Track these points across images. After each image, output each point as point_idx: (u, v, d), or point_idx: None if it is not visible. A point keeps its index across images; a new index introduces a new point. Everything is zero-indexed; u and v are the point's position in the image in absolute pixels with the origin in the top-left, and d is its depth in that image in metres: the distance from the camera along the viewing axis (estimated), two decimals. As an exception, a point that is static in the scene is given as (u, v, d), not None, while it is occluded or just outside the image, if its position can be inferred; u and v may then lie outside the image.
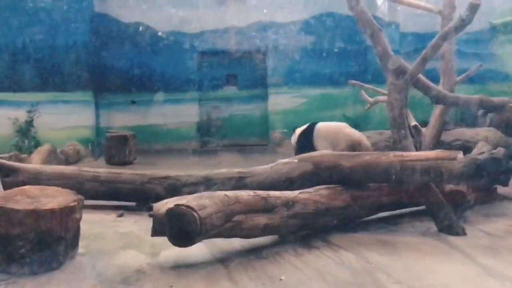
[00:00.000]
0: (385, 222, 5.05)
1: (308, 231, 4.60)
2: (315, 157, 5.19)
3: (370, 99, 7.96)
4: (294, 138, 7.80)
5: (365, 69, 10.82)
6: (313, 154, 5.31)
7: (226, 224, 3.97)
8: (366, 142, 6.80)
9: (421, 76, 5.43)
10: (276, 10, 11.24)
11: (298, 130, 7.73)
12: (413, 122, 6.62)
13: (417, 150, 5.60)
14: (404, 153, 4.89)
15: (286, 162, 5.29)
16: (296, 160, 5.25)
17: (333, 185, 4.82)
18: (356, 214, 4.85)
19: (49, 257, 3.72)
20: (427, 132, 6.71)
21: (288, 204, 4.37)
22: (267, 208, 4.28)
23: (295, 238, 4.51)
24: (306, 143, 7.45)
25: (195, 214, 3.68)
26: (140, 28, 10.53)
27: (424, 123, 7.02)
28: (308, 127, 7.60)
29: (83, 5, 10.14)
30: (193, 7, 11.17)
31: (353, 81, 8.22)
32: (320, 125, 7.53)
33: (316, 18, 11.34)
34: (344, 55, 11.44)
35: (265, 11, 11.19)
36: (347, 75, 10.48)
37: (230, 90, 11.79)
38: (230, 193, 4.20)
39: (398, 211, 5.25)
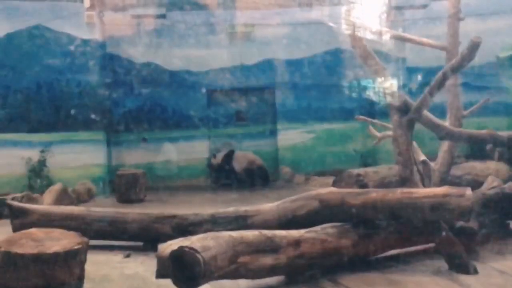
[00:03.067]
0: (395, 260, 4.95)
1: (315, 271, 4.52)
2: (322, 194, 5.15)
3: (378, 134, 7.94)
4: (216, 160, 11.07)
5: (373, 103, 10.85)
6: (320, 191, 5.28)
7: (231, 265, 3.93)
8: (259, 161, 11.10)
9: (426, 112, 5.43)
10: (283, 47, 11.43)
11: (219, 155, 11.10)
12: (422, 157, 6.57)
13: (425, 186, 5.54)
14: (412, 190, 4.84)
15: (293, 200, 5.26)
16: (300, 197, 5.23)
17: (340, 223, 4.77)
18: (365, 253, 4.77)
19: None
20: (436, 167, 6.65)
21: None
22: (273, 248, 4.24)
23: (302, 278, 4.44)
24: (228, 163, 10.99)
25: (199, 256, 3.66)
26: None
27: (434, 156, 6.95)
28: (229, 153, 11.07)
29: (95, 46, 10.41)
30: (202, 46, 11.42)
31: (361, 117, 8.23)
32: (244, 154, 11.19)
33: (323, 54, 11.49)
34: (351, 90, 11.52)
35: (272, 48, 11.40)
36: (355, 110, 10.53)
37: (239, 126, 11.88)
38: (235, 233, 4.18)
39: (407, 249, 5.14)
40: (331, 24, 11.03)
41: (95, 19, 10.28)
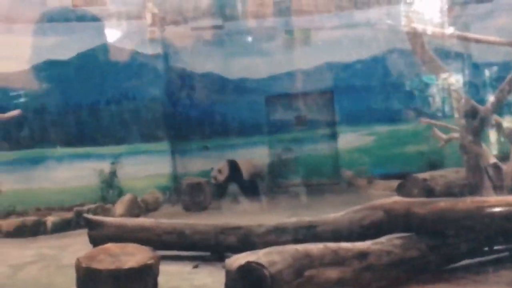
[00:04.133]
0: (466, 271, 4.78)
1: (382, 283, 4.46)
2: (387, 204, 5.08)
3: (444, 136, 7.70)
4: (220, 174, 10.35)
5: (436, 104, 10.49)
6: (385, 201, 5.20)
7: (297, 279, 3.98)
8: (261, 168, 11.15)
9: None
10: (342, 49, 11.29)
11: (219, 167, 10.45)
12: (492, 160, 6.28)
13: (497, 193, 5.31)
14: (483, 199, 4.67)
15: (357, 210, 5.22)
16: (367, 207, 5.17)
17: (407, 234, 4.68)
18: (434, 264, 4.65)
19: (128, 315, 3.91)
20: (508, 170, 6.33)
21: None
22: (339, 261, 4.23)
23: (370, 291, 4.40)
24: (236, 172, 10.47)
25: (266, 271, 3.74)
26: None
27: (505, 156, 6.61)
28: (231, 163, 10.51)
29: (159, 60, 10.86)
30: (260, 54, 11.52)
31: (425, 119, 8.01)
32: (243, 162, 10.71)
33: (383, 55, 11.22)
34: (413, 90, 11.17)
35: (330, 52, 11.30)
36: (418, 111, 10.23)
37: (299, 131, 11.88)
38: (300, 247, 4.22)
39: (480, 259, 4.95)
40: (390, 23, 10.80)
41: (157, 34, 10.69)
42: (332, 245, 4.33)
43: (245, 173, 10.54)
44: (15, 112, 5.99)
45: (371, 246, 4.46)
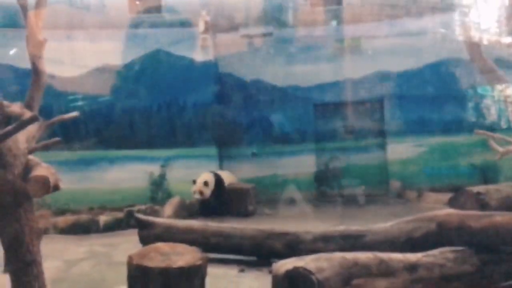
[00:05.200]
0: (523, 290, 4.56)
1: (433, 297, 4.34)
2: (440, 216, 4.95)
3: (500, 149, 7.40)
4: (207, 189, 9.36)
5: (492, 115, 10.11)
6: (438, 213, 5.06)
7: (345, 287, 3.93)
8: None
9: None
10: (393, 58, 11.12)
11: (205, 179, 9.44)
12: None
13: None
14: (543, 214, 4.46)
15: (408, 221, 5.11)
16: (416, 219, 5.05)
17: (460, 248, 4.53)
18: (488, 280, 4.47)
19: (177, 313, 3.98)
20: None
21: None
22: (388, 271, 4.16)
23: (419, 304, 4.27)
24: (220, 189, 9.62)
25: (313, 277, 3.73)
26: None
27: None
28: (216, 177, 9.69)
29: (209, 67, 11.07)
30: (310, 61, 11.52)
31: (480, 131, 7.74)
32: (223, 174, 10.04)
33: (436, 65, 10.95)
34: (467, 101, 10.81)
35: (380, 60, 11.14)
36: (472, 122, 9.90)
37: (347, 140, 11.76)
38: (348, 255, 4.17)
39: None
40: (443, 32, 10.55)
41: (209, 41, 10.91)
42: (381, 255, 4.26)
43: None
44: (73, 114, 6.24)
45: (422, 258, 4.35)
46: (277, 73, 11.59)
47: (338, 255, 4.14)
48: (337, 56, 11.51)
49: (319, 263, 3.89)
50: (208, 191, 9.45)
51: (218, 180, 9.72)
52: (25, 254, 3.90)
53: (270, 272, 5.01)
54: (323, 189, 11.50)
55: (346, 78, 11.41)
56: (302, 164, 11.55)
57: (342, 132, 11.78)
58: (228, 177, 10.23)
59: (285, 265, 4.03)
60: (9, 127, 4.14)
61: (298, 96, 11.67)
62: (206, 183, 9.43)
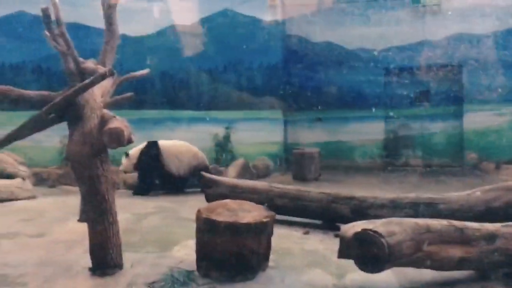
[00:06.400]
0: None
1: (511, 270, 4.08)
2: (523, 185, 4.61)
3: None
4: (128, 162, 7.91)
5: None
6: (520, 182, 4.72)
7: (416, 253, 3.77)
8: (202, 157, 8.37)
9: None
10: (474, 20, 10.36)
11: (135, 151, 7.89)
12: None
13: None
14: None
15: (487, 190, 4.81)
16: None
17: (545, 220, 4.20)
18: None
19: (244, 268, 4.02)
20: None
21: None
22: (463, 240, 3.93)
23: (495, 276, 4.05)
24: (151, 162, 7.87)
25: (383, 240, 3.59)
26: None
27: None
28: (148, 146, 7.90)
29: (276, 28, 10.87)
30: (383, 23, 11.01)
31: None
32: (165, 143, 8.10)
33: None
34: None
35: (462, 22, 10.40)
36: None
37: (420, 107, 11.23)
38: (420, 221, 3.98)
39: None
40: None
41: (277, 1, 10.68)
42: (457, 223, 4.03)
43: (184, 165, 8.16)
44: (143, 72, 6.36)
45: (502, 229, 4.07)
46: (348, 35, 11.19)
47: (410, 220, 3.96)
48: (414, 17, 10.89)
49: (390, 227, 3.74)
50: (128, 164, 8.03)
51: (150, 153, 7.99)
52: (101, 202, 4.06)
53: (336, 235, 4.94)
54: (392, 158, 11.14)
55: (422, 40, 10.82)
56: (370, 130, 11.24)
57: (415, 98, 11.26)
58: (188, 154, 8.28)
59: (353, 227, 3.91)
60: (86, 81, 4.27)
61: (369, 59, 11.24)
62: (127, 155, 8.02)
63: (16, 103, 4.47)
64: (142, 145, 8.09)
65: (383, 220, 3.95)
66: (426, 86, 11.13)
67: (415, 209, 5.12)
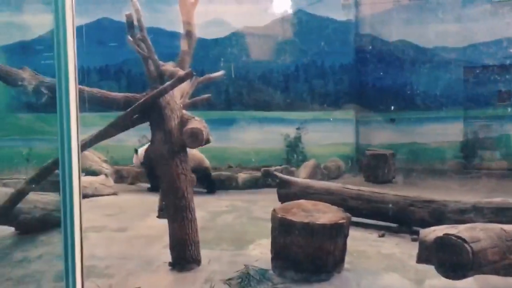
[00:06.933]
0: None
1: None
2: None
3: None
4: (136, 159, 8.17)
5: None
6: None
7: (503, 261, 3.59)
8: (206, 162, 8.42)
9: None
10: None
11: (142, 150, 8.02)
12: None
13: None
14: None
15: None
16: None
17: None
18: None
19: (319, 269, 4.01)
20: None
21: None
22: (556, 249, 3.68)
23: None
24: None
25: (467, 246, 3.45)
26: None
27: None
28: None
29: (349, 27, 10.72)
30: (461, 20, 10.52)
31: None
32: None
33: None
34: None
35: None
36: None
37: (502, 107, 10.61)
38: (507, 227, 3.78)
39: None
40: None
41: (350, 0, 10.54)
42: (549, 230, 3.78)
43: None
44: (219, 73, 6.53)
45: None
46: (424, 33, 10.79)
47: (495, 225, 3.77)
48: (493, 13, 10.31)
49: (474, 232, 3.58)
50: (136, 161, 8.43)
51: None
52: (181, 200, 4.22)
53: (414, 239, 4.81)
54: (471, 160, 10.60)
55: (503, 37, 10.20)
56: (447, 132, 10.76)
57: (496, 98, 10.64)
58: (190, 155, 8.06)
59: (434, 232, 3.79)
60: (168, 83, 4.46)
61: (446, 58, 10.77)
62: (136, 151, 8.39)
63: (103, 105, 4.76)
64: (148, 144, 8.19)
65: (467, 225, 3.81)
66: (508, 85, 10.48)
67: (499, 215, 4.85)
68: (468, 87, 10.82)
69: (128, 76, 10.57)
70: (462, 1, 10.59)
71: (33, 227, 5.12)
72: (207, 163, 8.61)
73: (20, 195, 4.72)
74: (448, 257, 3.49)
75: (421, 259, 3.86)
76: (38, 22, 9.35)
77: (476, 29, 10.41)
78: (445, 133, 10.74)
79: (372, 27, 11.13)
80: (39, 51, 9.02)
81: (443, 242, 3.55)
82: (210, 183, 8.59)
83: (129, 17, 4.77)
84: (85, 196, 7.22)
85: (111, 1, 10.30)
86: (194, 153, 8.12)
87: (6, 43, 10.06)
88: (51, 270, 4.23)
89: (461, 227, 3.69)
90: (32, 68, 4.44)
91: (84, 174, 8.14)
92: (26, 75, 4.24)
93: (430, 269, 3.65)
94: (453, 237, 3.52)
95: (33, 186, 4.60)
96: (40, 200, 5.15)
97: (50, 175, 4.27)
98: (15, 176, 8.19)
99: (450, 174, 10.01)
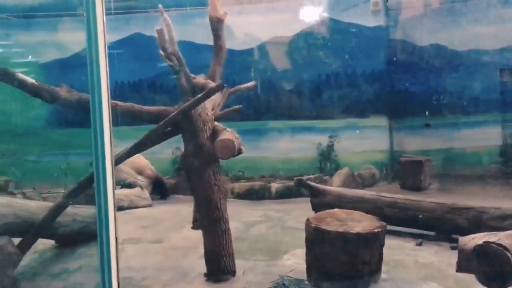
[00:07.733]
0: None
1: None
2: None
3: None
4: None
5: None
6: None
7: (548, 270, 3.44)
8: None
9: None
10: None
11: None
12: None
13: None
14: None
15: None
16: None
17: None
18: None
19: (355, 279, 3.95)
20: None
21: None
22: None
23: None
24: None
25: (508, 254, 3.34)
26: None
27: None
28: None
29: (380, 33, 10.60)
30: (497, 21, 10.24)
31: None
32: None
33: None
34: None
35: None
36: None
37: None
38: (552, 234, 3.63)
39: None
40: None
41: (380, 5, 10.43)
42: None
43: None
44: (250, 84, 6.57)
45: None
46: (457, 36, 10.55)
47: (539, 233, 3.62)
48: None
49: (516, 240, 3.46)
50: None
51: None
52: (214, 211, 4.25)
53: (453, 248, 4.68)
54: (510, 165, 10.25)
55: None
56: (484, 137, 10.43)
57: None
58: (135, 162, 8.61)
59: (473, 240, 3.68)
60: (199, 95, 4.52)
61: (482, 61, 10.49)
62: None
63: (137, 118, 4.86)
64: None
65: (508, 232, 3.68)
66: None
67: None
68: (505, 90, 10.50)
69: (160, 89, 10.76)
70: (496, 2, 10.32)
71: (72, 240, 5.24)
72: (152, 168, 9.01)
73: (59, 208, 4.86)
74: (489, 266, 3.39)
75: (461, 267, 3.75)
76: (74, 40, 9.67)
77: (512, 30, 10.12)
78: (482, 137, 10.42)
79: (403, 32, 10.97)
80: (75, 67, 9.31)
81: (483, 250, 3.45)
82: (162, 188, 9.02)
83: (160, 32, 4.88)
84: (121, 208, 7.37)
85: (143, 17, 10.56)
86: (137, 161, 8.64)
87: (44, 61, 10.43)
88: (90, 282, 4.32)
89: (502, 234, 3.57)
90: (68, 84, 4.59)
91: (119, 187, 8.32)
92: (63, 92, 4.38)
93: (470, 277, 3.55)
94: (494, 245, 3.41)
95: (71, 200, 4.72)
96: (78, 213, 5.27)
97: (87, 189, 4.38)
98: (54, 190, 8.43)
99: (489, 180, 9.70)
